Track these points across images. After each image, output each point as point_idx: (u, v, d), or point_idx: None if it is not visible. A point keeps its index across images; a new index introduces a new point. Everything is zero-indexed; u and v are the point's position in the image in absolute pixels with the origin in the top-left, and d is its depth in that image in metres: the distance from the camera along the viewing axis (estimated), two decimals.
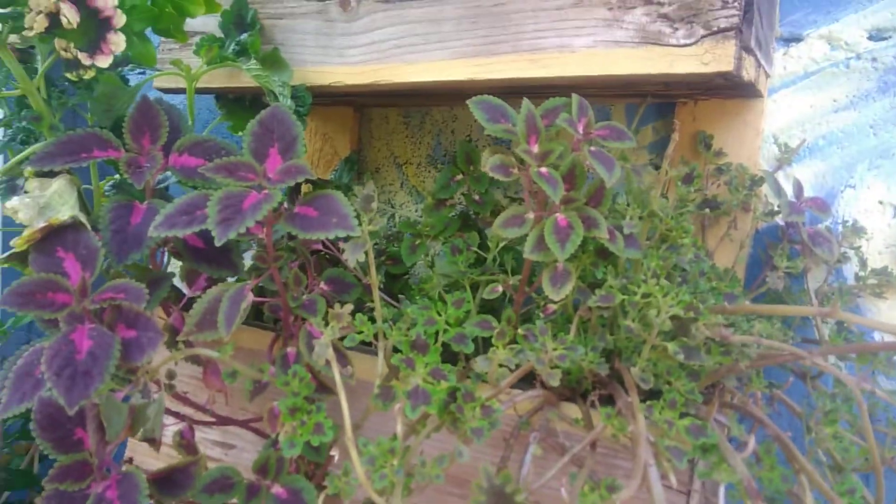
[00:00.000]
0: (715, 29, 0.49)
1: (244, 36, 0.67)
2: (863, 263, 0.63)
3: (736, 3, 0.48)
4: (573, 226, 0.47)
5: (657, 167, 0.74)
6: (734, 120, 0.67)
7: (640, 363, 0.48)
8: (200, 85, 0.73)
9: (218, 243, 0.43)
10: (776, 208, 0.63)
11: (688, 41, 0.49)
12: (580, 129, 0.49)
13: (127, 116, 0.56)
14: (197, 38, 0.70)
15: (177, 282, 0.65)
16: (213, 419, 0.65)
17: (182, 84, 0.70)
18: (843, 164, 0.65)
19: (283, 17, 0.69)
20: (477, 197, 0.70)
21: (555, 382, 0.46)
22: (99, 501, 0.43)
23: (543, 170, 0.47)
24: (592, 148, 0.48)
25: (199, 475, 0.47)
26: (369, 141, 0.95)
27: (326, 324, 0.51)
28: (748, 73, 0.52)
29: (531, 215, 0.50)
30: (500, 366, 0.50)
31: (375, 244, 0.71)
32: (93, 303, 0.45)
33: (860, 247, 0.64)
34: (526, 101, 0.49)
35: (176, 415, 0.64)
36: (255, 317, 0.77)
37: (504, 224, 0.50)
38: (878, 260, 0.64)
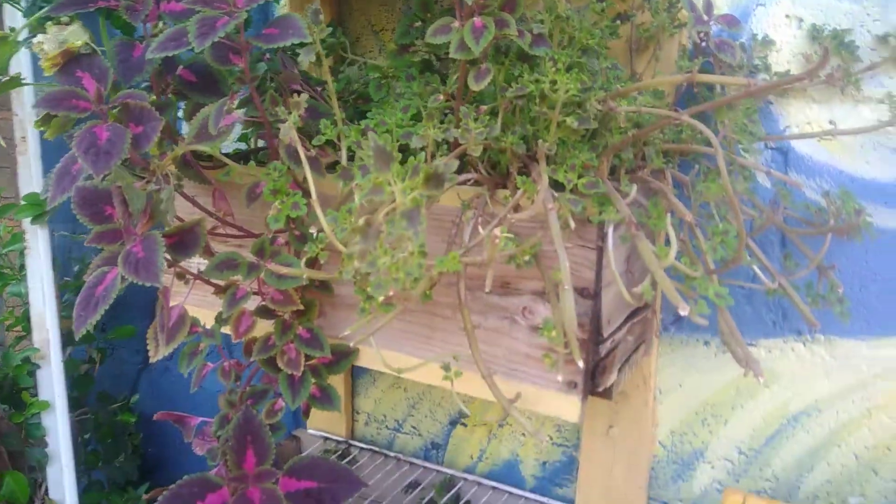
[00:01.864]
0: None
1: None
2: (767, 69, 0.72)
3: None
4: (487, 26, 0.57)
5: None
6: None
7: (550, 139, 0.59)
8: None
9: (198, 49, 0.55)
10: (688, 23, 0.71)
11: None
12: None
13: None
14: None
15: None
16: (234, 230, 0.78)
17: None
18: None
19: None
20: None
21: (476, 153, 0.57)
22: (128, 255, 0.56)
23: None
24: None
25: (203, 235, 0.60)
26: (349, 13, 1.04)
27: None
28: None
29: (457, 23, 0.60)
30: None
31: (348, 87, 0.82)
32: (108, 106, 0.58)
33: (766, 56, 0.72)
34: None
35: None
36: None
37: (435, 32, 0.60)
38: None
